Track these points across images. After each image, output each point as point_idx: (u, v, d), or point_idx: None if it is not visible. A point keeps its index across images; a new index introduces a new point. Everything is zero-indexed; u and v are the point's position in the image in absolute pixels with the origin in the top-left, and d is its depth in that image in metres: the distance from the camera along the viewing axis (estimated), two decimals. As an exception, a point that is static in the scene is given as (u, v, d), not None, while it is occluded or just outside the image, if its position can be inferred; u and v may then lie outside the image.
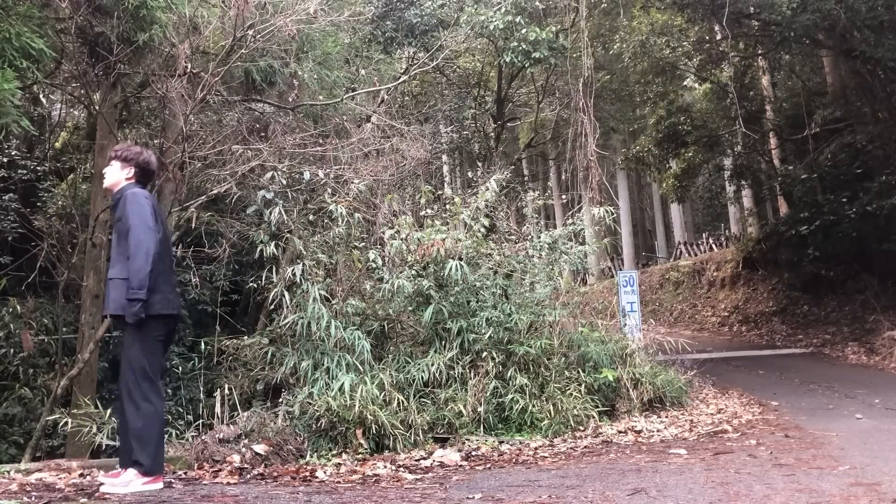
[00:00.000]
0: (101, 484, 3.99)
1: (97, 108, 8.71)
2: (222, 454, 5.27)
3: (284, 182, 7.43)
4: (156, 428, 4.00)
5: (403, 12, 14.40)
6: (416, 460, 5.62)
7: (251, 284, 8.09)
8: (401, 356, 7.00)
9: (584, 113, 12.19)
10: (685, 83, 21.51)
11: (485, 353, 7.05)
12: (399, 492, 4.29)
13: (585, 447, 6.27)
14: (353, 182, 7.99)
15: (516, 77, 18.61)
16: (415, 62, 13.64)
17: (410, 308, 7.51)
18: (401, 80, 12.23)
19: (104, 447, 5.74)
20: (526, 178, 25.78)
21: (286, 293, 6.77)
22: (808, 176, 17.61)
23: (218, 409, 6.02)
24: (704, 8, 15.78)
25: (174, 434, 5.83)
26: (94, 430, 5.60)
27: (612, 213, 9.57)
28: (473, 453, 5.96)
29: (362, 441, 5.92)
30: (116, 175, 4.31)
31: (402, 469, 5.26)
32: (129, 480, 3.92)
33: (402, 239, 7.57)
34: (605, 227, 13.00)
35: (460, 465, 5.47)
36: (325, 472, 5.02)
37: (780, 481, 4.45)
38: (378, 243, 8.19)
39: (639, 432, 6.88)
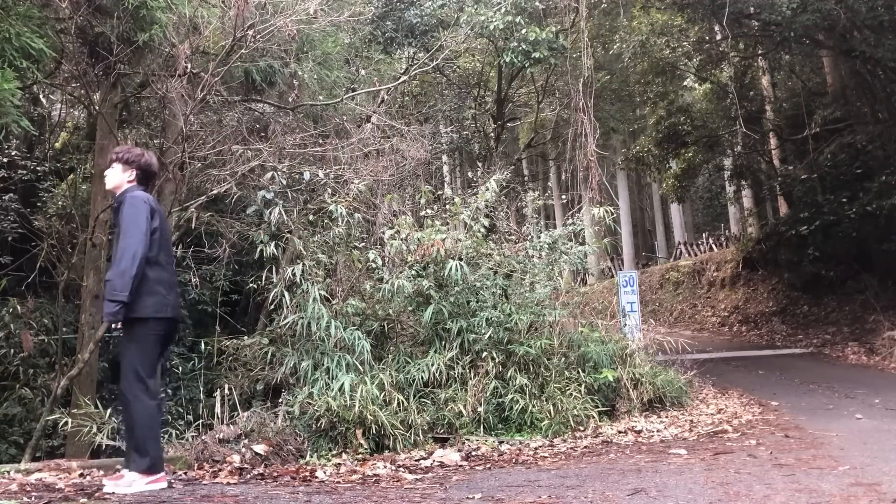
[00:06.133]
0: (103, 486, 3.98)
1: (97, 108, 8.71)
2: (222, 454, 5.27)
3: (284, 182, 7.43)
4: (151, 427, 4.00)
5: (403, 12, 14.40)
6: (416, 460, 5.62)
7: (251, 284, 8.08)
8: (401, 356, 7.00)
9: (584, 113, 12.18)
10: (685, 83, 21.50)
11: (485, 354, 7.05)
12: (399, 492, 4.29)
13: (585, 447, 6.27)
14: (353, 182, 7.99)
15: (516, 77, 18.60)
16: (415, 62, 13.64)
17: (410, 308, 7.51)
18: (401, 80, 12.23)
19: (104, 447, 5.74)
20: (526, 178, 25.78)
21: (286, 293, 6.77)
22: (808, 176, 17.61)
23: (218, 409, 6.01)
24: (704, 8, 15.78)
25: (174, 434, 5.82)
26: (94, 430, 5.59)
27: (612, 213, 9.56)
28: (473, 453, 5.96)
29: (362, 441, 5.92)
30: (118, 177, 4.32)
31: (402, 469, 5.26)
32: (133, 481, 3.92)
33: (402, 239, 7.56)
34: (605, 227, 13.01)
35: (460, 465, 5.47)
36: (325, 472, 5.01)
37: (780, 481, 4.45)
38: (378, 243, 8.19)
39: (639, 432, 6.88)
